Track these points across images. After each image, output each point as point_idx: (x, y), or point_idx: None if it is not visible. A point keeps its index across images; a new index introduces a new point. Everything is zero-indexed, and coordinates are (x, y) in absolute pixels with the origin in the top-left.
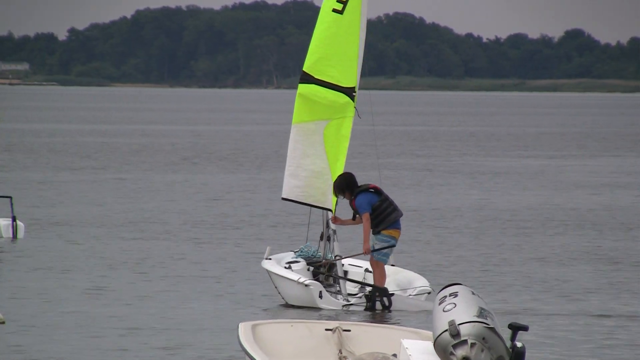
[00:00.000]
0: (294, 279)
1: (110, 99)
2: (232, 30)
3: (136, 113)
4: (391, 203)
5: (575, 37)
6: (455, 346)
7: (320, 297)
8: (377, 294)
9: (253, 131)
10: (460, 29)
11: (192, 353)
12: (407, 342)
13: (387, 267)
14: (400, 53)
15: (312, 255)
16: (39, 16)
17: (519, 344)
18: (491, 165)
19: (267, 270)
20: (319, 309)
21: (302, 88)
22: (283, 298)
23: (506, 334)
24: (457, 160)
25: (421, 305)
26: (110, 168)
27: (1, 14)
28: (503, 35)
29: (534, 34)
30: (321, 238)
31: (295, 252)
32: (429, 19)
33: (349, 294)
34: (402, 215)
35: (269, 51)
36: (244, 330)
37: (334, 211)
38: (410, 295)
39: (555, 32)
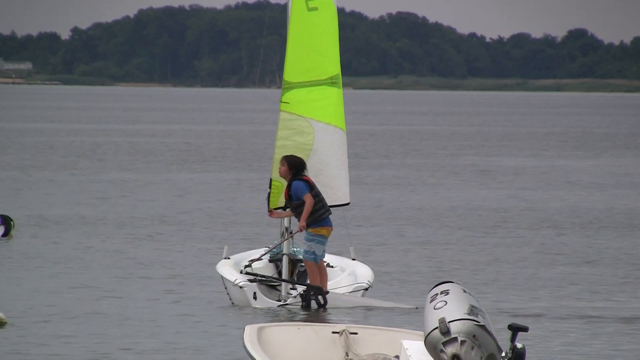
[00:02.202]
0: (231, 280)
1: (112, 99)
2: (235, 29)
3: (136, 113)
4: (320, 200)
5: (578, 36)
6: (445, 344)
7: (255, 298)
8: (311, 292)
9: (244, 131)
10: (463, 29)
11: (194, 356)
12: (407, 343)
13: (346, 261)
14: (403, 52)
15: (280, 251)
16: (42, 15)
17: (519, 345)
18: (492, 164)
19: (217, 271)
20: (326, 311)
21: None
22: (230, 299)
23: (506, 335)
24: (458, 159)
25: (357, 302)
26: (104, 168)
27: (4, 13)
28: (506, 34)
29: (537, 33)
30: (282, 235)
31: (268, 247)
32: (432, 19)
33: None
34: (330, 213)
35: (272, 50)
36: (249, 333)
37: (269, 206)
38: (346, 292)
39: (559, 32)
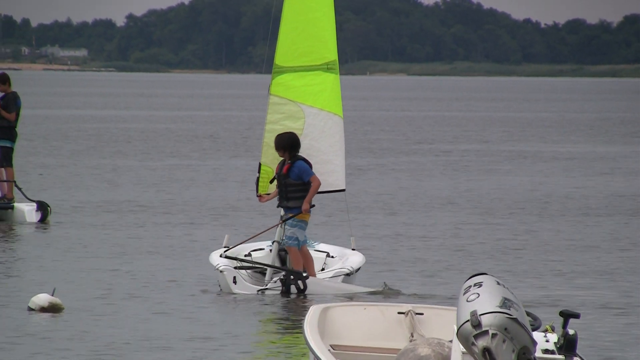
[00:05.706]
0: (214, 264)
1: (168, 86)
2: None
3: (182, 100)
4: None
5: (634, 22)
6: (476, 336)
7: (235, 282)
8: (291, 277)
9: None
10: (517, 14)
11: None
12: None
13: (346, 251)
14: (458, 39)
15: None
16: (97, 2)
17: (570, 331)
18: (539, 150)
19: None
20: (306, 297)
21: None
22: (219, 285)
23: (558, 321)
24: (504, 146)
25: (337, 288)
26: (149, 154)
27: (60, 0)
28: (561, 20)
29: (592, 19)
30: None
31: (274, 242)
32: (486, 4)
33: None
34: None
35: None
36: (312, 314)
37: (257, 191)
38: (325, 277)
39: (614, 17)
